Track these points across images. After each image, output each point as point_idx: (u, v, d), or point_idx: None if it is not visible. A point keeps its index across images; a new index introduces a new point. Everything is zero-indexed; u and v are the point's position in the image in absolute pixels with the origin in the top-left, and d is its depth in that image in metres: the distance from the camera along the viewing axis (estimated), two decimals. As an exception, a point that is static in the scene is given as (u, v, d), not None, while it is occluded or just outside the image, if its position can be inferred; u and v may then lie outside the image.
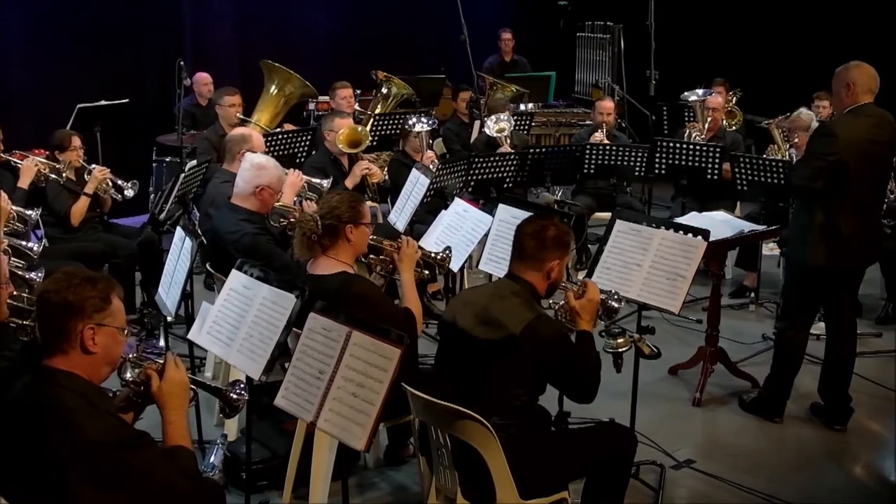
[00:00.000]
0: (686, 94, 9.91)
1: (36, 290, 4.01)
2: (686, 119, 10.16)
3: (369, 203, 7.38)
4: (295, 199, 6.88)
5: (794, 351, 6.36)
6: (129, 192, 7.99)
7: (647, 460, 5.73)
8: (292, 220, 5.64)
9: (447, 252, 5.70)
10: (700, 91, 9.75)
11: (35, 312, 3.52)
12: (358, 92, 10.09)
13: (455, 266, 6.13)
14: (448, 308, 4.82)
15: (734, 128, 10.37)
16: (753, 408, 6.58)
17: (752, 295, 8.83)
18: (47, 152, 7.93)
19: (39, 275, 5.04)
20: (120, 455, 3.27)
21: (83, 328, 3.37)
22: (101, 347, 3.40)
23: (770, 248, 9.39)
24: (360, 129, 8.46)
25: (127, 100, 10.09)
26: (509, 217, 5.85)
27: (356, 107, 9.77)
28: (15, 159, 7.74)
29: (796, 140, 8.55)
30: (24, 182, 7.54)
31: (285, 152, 8.52)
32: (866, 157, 5.92)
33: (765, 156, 9.09)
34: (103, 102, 9.87)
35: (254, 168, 6.25)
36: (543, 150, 9.89)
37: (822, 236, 5.99)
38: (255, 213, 6.21)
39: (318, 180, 7.34)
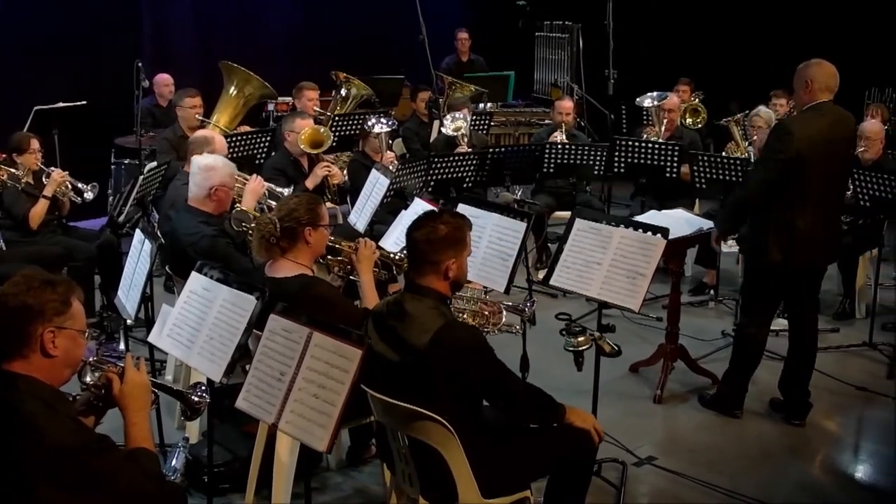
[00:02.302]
0: (640, 98, 9.93)
1: None
2: (644, 119, 10.20)
3: (329, 205, 7.37)
4: (256, 205, 6.85)
5: (754, 347, 6.40)
6: (89, 195, 7.92)
7: (609, 458, 5.75)
8: (253, 225, 5.63)
9: (406, 252, 5.70)
10: (654, 94, 9.78)
11: None
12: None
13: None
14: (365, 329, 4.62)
15: (699, 125, 10.39)
16: (713, 404, 6.62)
17: (712, 292, 8.88)
18: (4, 155, 7.85)
19: None
20: (83, 459, 3.25)
21: (43, 331, 3.33)
22: (61, 350, 3.37)
23: (729, 246, 9.41)
24: (322, 129, 8.44)
25: (85, 102, 10.02)
26: (470, 217, 5.82)
27: (316, 108, 9.76)
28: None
29: (755, 138, 8.62)
30: (-17, 188, 7.49)
31: (245, 154, 8.49)
32: (824, 156, 5.94)
33: (724, 154, 9.14)
34: (61, 104, 9.79)
35: (202, 171, 6.21)
36: (503, 149, 9.92)
37: (781, 234, 6.02)
38: (212, 215, 6.19)
39: (280, 189, 7.31)
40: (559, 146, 9.24)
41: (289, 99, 10.84)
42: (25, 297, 3.34)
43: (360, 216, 7.29)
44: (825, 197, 6.09)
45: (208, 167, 6.22)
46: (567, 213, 6.91)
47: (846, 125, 6.18)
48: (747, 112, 9.33)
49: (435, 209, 5.11)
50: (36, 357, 3.35)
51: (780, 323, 6.83)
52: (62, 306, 3.39)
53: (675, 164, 8.76)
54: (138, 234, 5.82)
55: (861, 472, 6.04)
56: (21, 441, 3.20)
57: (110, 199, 9.97)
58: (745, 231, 6.46)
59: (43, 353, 3.35)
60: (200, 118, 9.12)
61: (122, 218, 7.43)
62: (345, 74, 10.68)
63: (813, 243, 6.04)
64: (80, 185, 7.87)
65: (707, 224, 7.02)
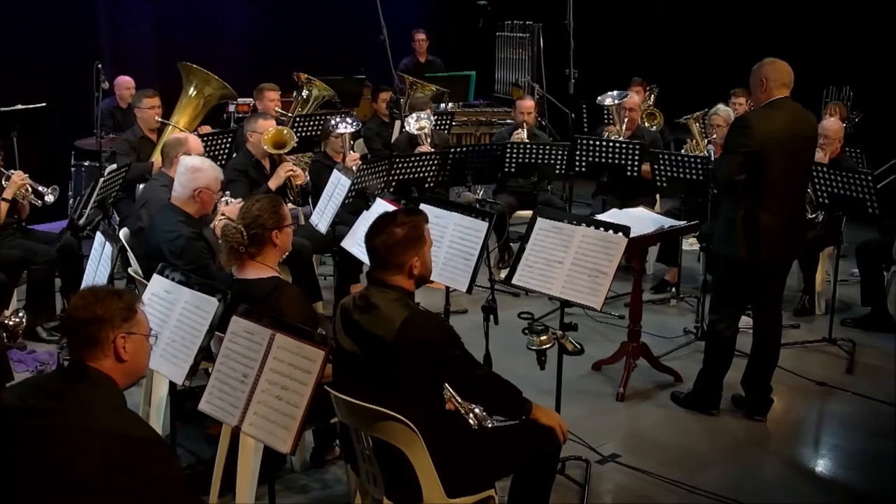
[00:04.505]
0: (601, 97, 9.96)
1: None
2: (605, 118, 10.24)
3: (290, 206, 7.34)
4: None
5: (726, 344, 6.43)
6: (49, 198, 7.85)
7: (573, 456, 5.78)
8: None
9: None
10: (615, 93, 9.81)
11: (65, 329, 3.62)
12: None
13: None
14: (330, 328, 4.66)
15: (654, 128, 10.44)
16: (688, 402, 6.65)
17: (673, 290, 8.93)
18: (-37, 157, 7.79)
19: None
20: (136, 453, 3.28)
21: (115, 337, 3.45)
22: (131, 355, 3.49)
23: (690, 244, 9.52)
24: (285, 130, 8.39)
25: (44, 104, 9.95)
26: (432, 217, 5.84)
27: (277, 109, 9.72)
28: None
29: (714, 136, 8.68)
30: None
31: (206, 154, 8.44)
32: (787, 151, 5.99)
33: (683, 152, 9.20)
34: (20, 106, 9.71)
35: (189, 171, 6.16)
36: (464, 149, 9.92)
37: (746, 230, 6.05)
38: (192, 217, 6.16)
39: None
40: (520, 145, 9.25)
41: (249, 100, 10.78)
42: (95, 308, 3.47)
43: (321, 217, 7.28)
44: (789, 192, 6.13)
45: (195, 168, 6.17)
46: (529, 213, 6.92)
47: (808, 124, 6.23)
48: (706, 110, 9.37)
49: (388, 212, 5.09)
50: (110, 361, 3.47)
51: (743, 320, 6.86)
52: (129, 313, 3.52)
53: (636, 163, 8.79)
54: (99, 236, 5.79)
55: (821, 466, 6.08)
56: (79, 425, 3.28)
57: (70, 201, 9.91)
58: (707, 228, 6.48)
59: (117, 357, 3.47)
60: (159, 119, 9.07)
61: (82, 220, 7.38)
62: (306, 75, 10.64)
63: (778, 239, 6.09)
64: (40, 188, 7.80)
65: (668, 222, 7.06)
